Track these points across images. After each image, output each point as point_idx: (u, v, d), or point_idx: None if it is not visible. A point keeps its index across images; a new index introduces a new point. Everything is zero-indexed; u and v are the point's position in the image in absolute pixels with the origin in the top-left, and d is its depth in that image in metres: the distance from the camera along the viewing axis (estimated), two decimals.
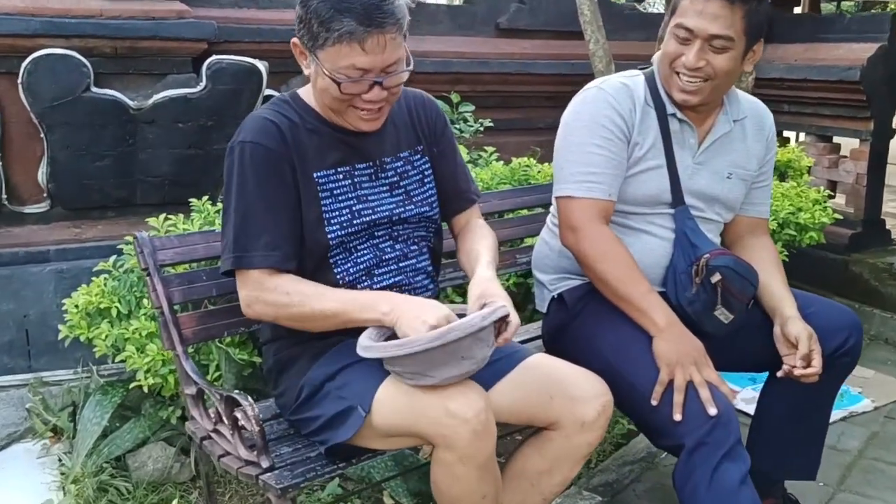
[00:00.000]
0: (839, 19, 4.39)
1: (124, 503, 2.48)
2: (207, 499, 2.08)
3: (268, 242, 1.72)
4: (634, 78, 2.11)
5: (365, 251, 1.86)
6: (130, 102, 2.85)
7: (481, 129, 3.75)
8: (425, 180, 1.95)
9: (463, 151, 3.27)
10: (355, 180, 1.83)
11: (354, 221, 1.82)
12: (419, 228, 1.94)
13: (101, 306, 2.46)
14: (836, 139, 4.57)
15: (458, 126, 3.71)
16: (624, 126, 2.03)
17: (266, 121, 1.77)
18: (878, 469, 2.71)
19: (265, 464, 1.71)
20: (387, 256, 1.88)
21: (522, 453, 1.86)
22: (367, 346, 1.64)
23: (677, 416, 1.84)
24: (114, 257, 2.58)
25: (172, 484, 2.59)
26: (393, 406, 1.66)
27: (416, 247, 1.94)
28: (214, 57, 2.89)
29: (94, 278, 2.52)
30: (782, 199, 3.39)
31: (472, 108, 3.86)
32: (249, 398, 1.72)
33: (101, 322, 2.47)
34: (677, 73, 2.00)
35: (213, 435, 1.89)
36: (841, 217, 3.59)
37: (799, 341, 1.99)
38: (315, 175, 1.79)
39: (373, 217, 1.85)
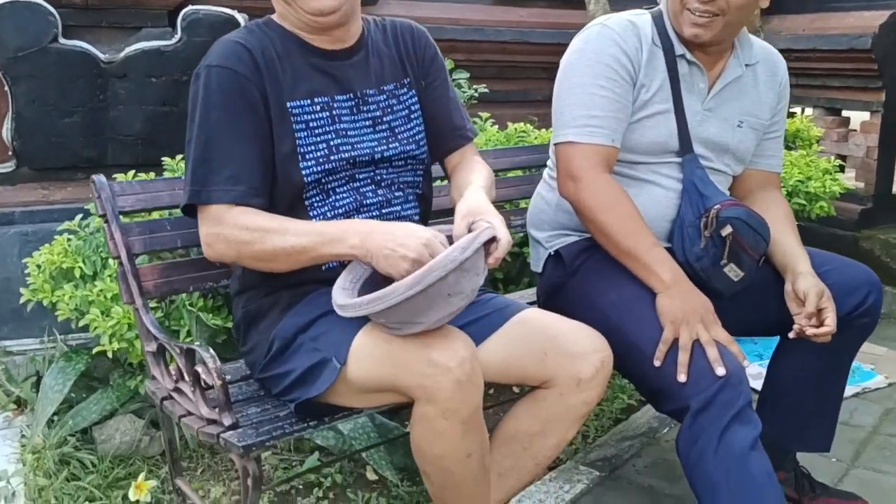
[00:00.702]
0: None
1: (87, 476, 2.32)
2: (171, 466, 1.92)
3: (231, 175, 1.57)
4: (641, 17, 1.95)
5: (344, 195, 1.71)
6: (100, 55, 2.68)
7: (476, 95, 3.58)
8: (412, 116, 1.80)
9: None
10: (334, 113, 1.68)
11: (332, 157, 1.67)
12: (405, 172, 1.79)
13: (65, 266, 2.31)
14: (844, 113, 4.41)
15: None
16: (630, 66, 1.88)
17: (236, 44, 1.63)
18: (893, 445, 2.56)
19: (227, 421, 1.55)
20: (368, 202, 1.73)
21: (513, 415, 1.71)
22: (342, 304, 1.48)
23: (682, 377, 1.68)
24: (79, 216, 2.42)
25: (141, 458, 2.43)
26: (370, 357, 1.50)
27: (400, 193, 1.79)
28: (190, 7, 2.73)
29: (56, 237, 2.37)
30: (791, 168, 3.23)
31: (467, 75, 3.69)
32: (211, 350, 1.56)
33: (65, 284, 2.32)
34: (688, 9, 1.85)
35: (174, 394, 1.73)
36: (852, 188, 3.43)
37: (807, 297, 1.83)
38: (289, 105, 1.65)
39: (352, 154, 1.69)
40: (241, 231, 1.56)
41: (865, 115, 4.17)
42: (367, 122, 1.73)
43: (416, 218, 1.81)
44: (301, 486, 2.36)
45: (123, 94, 2.75)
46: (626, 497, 2.26)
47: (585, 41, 1.92)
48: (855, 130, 4.26)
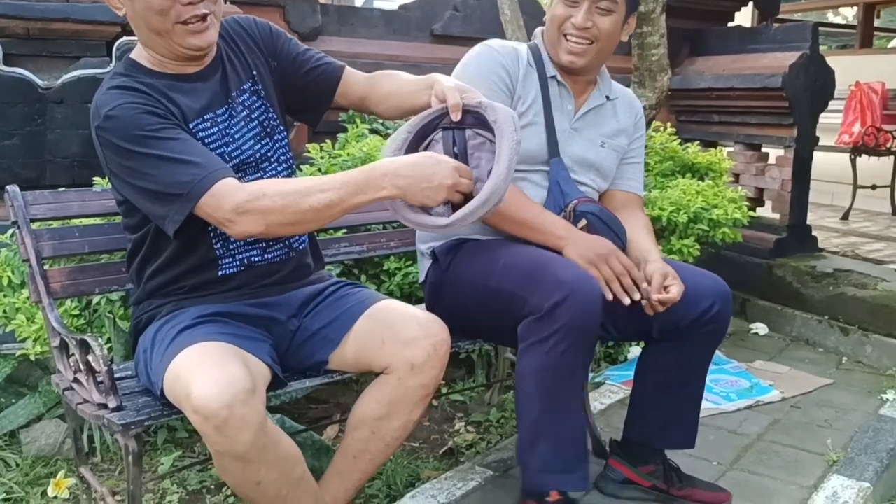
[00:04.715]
0: (766, 30, 4.49)
1: (8, 472, 2.46)
2: (76, 455, 2.07)
3: (211, 160, 1.65)
4: (520, 44, 2.21)
5: None
6: (39, 82, 2.87)
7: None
8: (269, 107, 1.91)
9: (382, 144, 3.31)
10: (220, 127, 1.82)
11: (228, 166, 1.77)
12: (282, 168, 1.91)
13: None
14: (765, 148, 4.65)
15: (382, 122, 3.75)
16: (508, 79, 2.11)
17: (118, 90, 1.70)
18: (774, 451, 2.72)
19: (112, 404, 1.70)
20: None
21: (361, 402, 1.85)
22: (445, 224, 1.65)
23: (626, 301, 1.99)
24: (11, 230, 2.59)
25: (64, 459, 2.57)
26: (169, 388, 1.64)
27: None
28: (125, 38, 2.93)
29: None
30: (696, 196, 3.44)
31: None
32: (100, 340, 1.72)
33: None
34: (565, 36, 2.10)
35: (73, 385, 1.88)
36: (755, 213, 3.64)
37: (653, 277, 2.04)
38: (191, 125, 1.76)
39: (241, 157, 1.83)
40: (262, 199, 1.60)
41: (780, 151, 4.41)
42: (242, 124, 1.85)
43: None
44: (213, 486, 2.51)
45: (60, 118, 2.93)
46: (513, 493, 2.41)
47: (469, 57, 2.16)
48: (773, 165, 4.50)
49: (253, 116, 1.87)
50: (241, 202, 1.60)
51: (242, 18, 1.94)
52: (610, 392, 3.18)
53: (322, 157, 3.10)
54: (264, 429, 1.56)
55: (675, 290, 2.01)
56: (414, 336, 1.77)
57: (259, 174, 1.86)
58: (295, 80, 1.95)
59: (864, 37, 9.36)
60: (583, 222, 2.06)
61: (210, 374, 1.53)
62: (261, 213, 1.60)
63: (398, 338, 1.77)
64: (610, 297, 1.97)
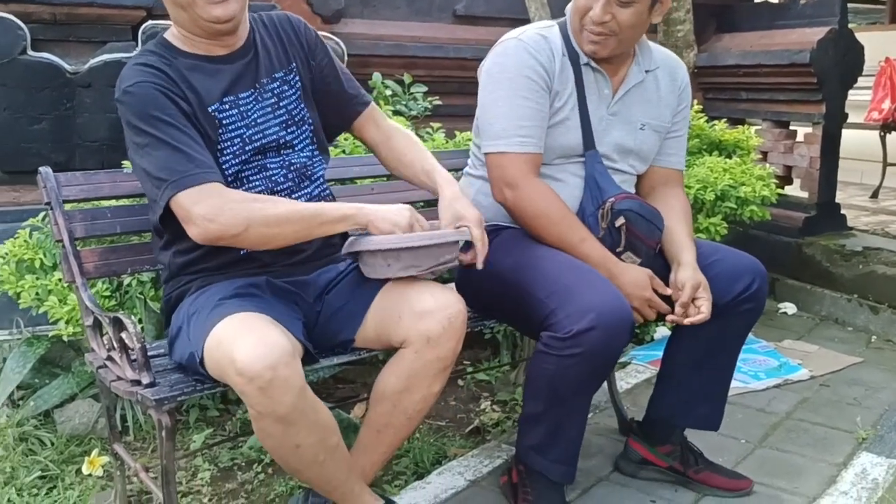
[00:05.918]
0: (794, 5, 4.43)
1: (44, 451, 2.50)
2: (110, 432, 2.11)
3: (204, 161, 1.72)
4: (550, 29, 2.12)
5: (257, 182, 1.88)
6: (66, 66, 2.90)
7: (429, 106, 3.79)
8: (303, 97, 1.96)
9: (406, 127, 3.31)
10: (241, 109, 1.85)
11: (246, 148, 1.85)
12: (306, 154, 1.95)
13: (26, 257, 2.51)
14: (793, 125, 4.59)
15: (405, 104, 3.75)
16: (546, 76, 2.05)
17: (143, 66, 1.77)
18: (802, 428, 2.71)
19: (146, 380, 1.72)
20: (279, 188, 1.90)
21: (382, 376, 1.86)
22: (351, 242, 1.82)
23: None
24: (43, 213, 2.62)
25: (97, 438, 2.62)
26: (210, 353, 1.66)
27: (307, 182, 1.96)
28: (150, 22, 2.94)
29: (19, 231, 2.57)
30: (723, 174, 3.41)
31: (425, 89, 3.89)
32: (133, 318, 1.75)
33: (27, 275, 2.52)
34: (586, 29, 2.03)
35: (107, 363, 1.91)
36: (784, 191, 3.61)
37: (683, 288, 2.00)
38: (210, 109, 1.81)
39: (263, 141, 1.87)
40: (251, 199, 1.72)
41: (809, 128, 4.35)
42: (269, 109, 1.89)
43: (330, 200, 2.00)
44: (243, 463, 2.54)
45: (89, 102, 2.96)
46: None
47: (504, 55, 2.06)
48: (801, 142, 4.45)
49: (281, 104, 1.91)
50: (219, 203, 1.68)
51: (294, 18, 2.01)
52: (636, 371, 3.17)
53: (346, 139, 3.11)
54: (305, 393, 1.61)
55: (706, 308, 1.98)
56: (428, 309, 1.77)
57: (280, 158, 1.91)
58: (323, 95, 2.02)
59: (894, 12, 9.20)
60: (620, 220, 2.02)
61: (253, 338, 1.57)
62: (240, 210, 1.68)
63: (413, 311, 1.78)
64: (640, 321, 2.00)
